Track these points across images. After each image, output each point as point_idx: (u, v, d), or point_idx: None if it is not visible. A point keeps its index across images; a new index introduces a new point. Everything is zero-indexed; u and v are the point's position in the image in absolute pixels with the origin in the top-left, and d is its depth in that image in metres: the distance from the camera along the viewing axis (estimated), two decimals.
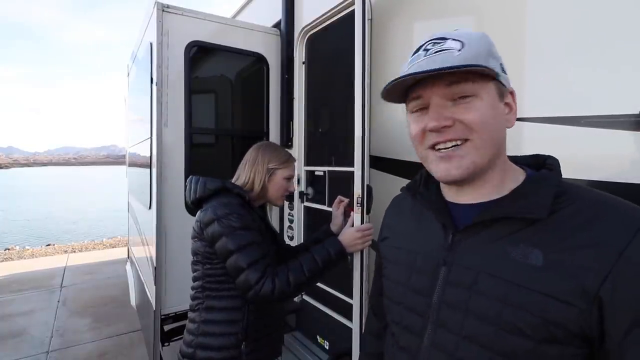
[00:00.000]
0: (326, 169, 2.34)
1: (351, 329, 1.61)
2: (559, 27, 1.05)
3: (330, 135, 2.34)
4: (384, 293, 0.82)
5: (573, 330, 0.53)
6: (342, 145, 2.17)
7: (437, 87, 0.62)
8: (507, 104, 0.66)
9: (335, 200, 1.65)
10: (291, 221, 2.61)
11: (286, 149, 1.57)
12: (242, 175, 1.47)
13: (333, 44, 2.25)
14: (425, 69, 0.59)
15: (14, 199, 30.37)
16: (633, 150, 0.90)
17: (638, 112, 0.88)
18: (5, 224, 16.85)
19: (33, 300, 4.67)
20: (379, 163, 1.79)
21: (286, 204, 2.66)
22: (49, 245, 9.33)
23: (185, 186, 1.47)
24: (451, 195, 0.72)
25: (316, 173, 2.44)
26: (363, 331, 1.02)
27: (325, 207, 2.29)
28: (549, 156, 0.70)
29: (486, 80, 0.62)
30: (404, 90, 0.67)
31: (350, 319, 1.83)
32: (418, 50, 0.65)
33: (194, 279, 1.42)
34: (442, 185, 0.75)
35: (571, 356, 0.54)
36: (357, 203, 1.42)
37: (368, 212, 1.50)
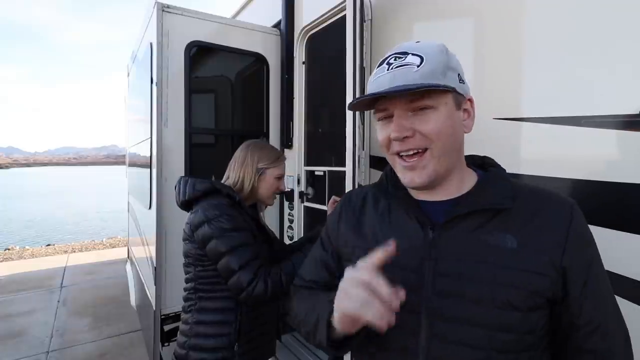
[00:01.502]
0: (326, 169, 2.34)
1: None
2: (559, 27, 1.05)
3: (330, 135, 2.34)
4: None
5: (548, 295, 0.64)
6: (342, 145, 2.17)
7: (399, 101, 0.68)
8: (465, 111, 0.72)
9: (330, 201, 1.64)
10: (291, 221, 2.61)
11: (275, 147, 1.55)
12: (232, 175, 1.45)
13: (333, 44, 2.25)
14: (386, 88, 0.66)
15: (14, 198, 30.38)
16: (633, 150, 0.90)
17: (638, 112, 0.88)
18: (5, 224, 16.85)
19: (33, 300, 4.66)
20: (379, 163, 1.79)
21: (286, 204, 2.66)
22: (49, 245, 9.32)
23: (175, 187, 1.45)
24: (419, 194, 0.77)
25: (316, 173, 2.44)
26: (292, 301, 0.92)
27: (325, 207, 2.29)
28: (484, 156, 0.81)
29: (444, 94, 0.67)
30: (371, 100, 0.72)
31: None
32: (382, 63, 0.71)
33: (186, 281, 1.41)
34: None
35: (544, 317, 0.66)
36: None
37: None
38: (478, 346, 0.64)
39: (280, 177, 1.49)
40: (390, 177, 0.81)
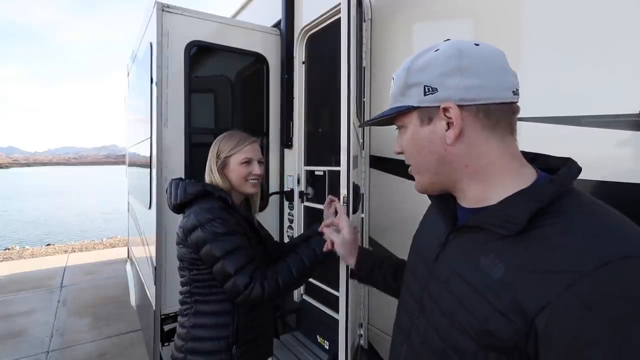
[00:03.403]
0: (326, 168, 2.34)
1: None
2: (559, 27, 1.05)
3: (330, 135, 2.34)
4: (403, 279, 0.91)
5: (508, 344, 0.53)
6: (340, 145, 2.17)
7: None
8: (444, 121, 0.64)
9: (326, 201, 1.63)
10: (291, 221, 2.61)
11: (243, 133, 1.46)
12: (206, 176, 1.42)
13: (333, 44, 2.25)
14: (373, 118, 0.76)
15: (14, 198, 30.37)
16: (633, 150, 0.90)
17: (638, 112, 0.88)
18: (5, 224, 16.85)
19: (33, 300, 4.66)
20: (378, 163, 1.79)
21: (286, 204, 2.66)
22: (49, 245, 9.32)
23: (166, 190, 1.42)
24: (458, 198, 0.75)
25: (316, 173, 2.44)
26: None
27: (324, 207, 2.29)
28: (568, 158, 0.65)
29: (406, 113, 0.69)
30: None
31: None
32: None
33: (182, 284, 1.40)
34: None
35: None
36: (343, 202, 1.41)
37: (354, 211, 1.49)
38: (435, 353, 0.66)
39: (248, 161, 1.40)
40: None
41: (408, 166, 0.75)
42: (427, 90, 0.65)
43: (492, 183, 0.65)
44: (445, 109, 0.63)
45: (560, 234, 0.53)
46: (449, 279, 0.66)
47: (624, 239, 0.49)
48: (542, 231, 0.55)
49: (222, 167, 1.39)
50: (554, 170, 0.63)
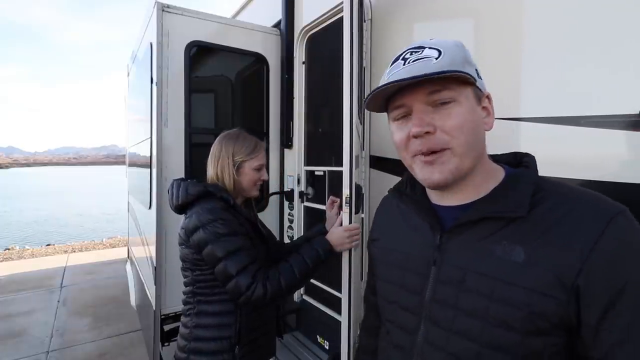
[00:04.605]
0: (326, 168, 2.34)
1: None
2: (559, 27, 1.05)
3: (330, 135, 2.34)
4: (378, 293, 0.84)
5: (554, 320, 0.56)
6: (342, 145, 2.17)
7: (418, 95, 0.63)
8: (484, 108, 0.68)
9: (328, 201, 1.63)
10: (291, 221, 2.61)
11: (252, 136, 1.45)
12: (211, 172, 1.40)
13: (333, 44, 2.25)
14: (405, 77, 0.61)
15: (14, 199, 30.36)
16: (633, 150, 0.90)
17: (638, 112, 0.88)
18: (5, 224, 16.84)
19: (33, 300, 4.66)
20: (378, 163, 1.79)
21: (286, 203, 2.66)
22: (49, 245, 9.32)
23: (168, 191, 1.42)
24: (436, 197, 0.75)
25: (316, 173, 2.44)
26: (360, 327, 1.03)
27: (325, 207, 2.29)
28: (526, 154, 0.72)
29: (464, 86, 0.64)
30: (386, 99, 0.69)
31: None
32: (397, 59, 0.67)
33: (185, 284, 1.40)
34: (427, 188, 0.77)
35: (552, 345, 0.57)
36: (346, 202, 1.41)
37: (357, 211, 1.49)
38: (468, 358, 0.62)
39: (260, 168, 1.42)
40: (411, 179, 0.80)
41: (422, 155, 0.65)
42: (478, 74, 0.66)
43: (487, 174, 0.68)
44: (488, 98, 0.69)
45: (561, 207, 0.59)
46: (464, 279, 0.63)
47: (607, 200, 0.59)
48: (542, 209, 0.60)
49: (237, 170, 1.39)
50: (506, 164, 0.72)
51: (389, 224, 0.85)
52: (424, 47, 0.65)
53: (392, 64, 0.68)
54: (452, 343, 0.64)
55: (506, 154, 0.74)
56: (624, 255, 0.54)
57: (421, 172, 0.67)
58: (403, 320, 0.73)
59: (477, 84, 0.65)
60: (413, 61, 0.63)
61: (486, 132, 0.69)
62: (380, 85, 0.64)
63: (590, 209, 0.57)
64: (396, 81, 0.62)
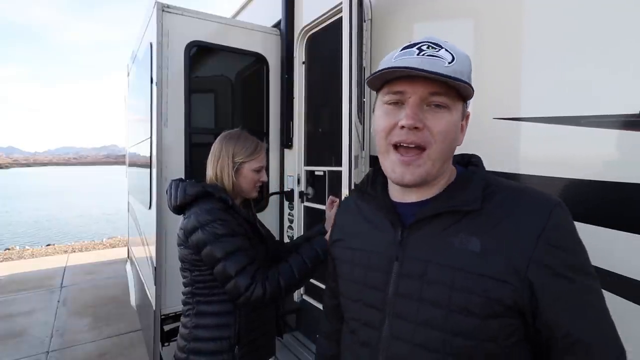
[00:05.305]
0: (326, 169, 2.34)
1: None
2: (559, 27, 1.05)
3: (330, 135, 2.34)
4: (341, 292, 0.85)
5: (509, 304, 0.60)
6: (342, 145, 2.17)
7: (421, 89, 0.65)
8: (462, 126, 0.72)
9: (328, 201, 1.63)
10: (291, 221, 2.61)
11: (253, 137, 1.45)
12: (210, 171, 1.40)
13: (333, 44, 2.25)
14: (420, 67, 0.62)
15: (14, 199, 30.37)
16: (633, 150, 0.90)
17: (638, 112, 0.88)
18: (5, 224, 16.85)
19: (33, 300, 4.66)
20: (378, 163, 1.79)
21: (286, 203, 2.66)
22: (49, 245, 9.32)
23: (166, 191, 1.42)
24: (397, 195, 0.77)
25: (316, 173, 2.44)
26: (319, 335, 1.04)
27: (324, 207, 2.29)
28: (472, 155, 0.79)
29: (459, 99, 0.67)
30: (385, 80, 0.69)
31: None
32: (411, 46, 0.68)
33: (184, 285, 1.40)
34: (389, 186, 0.80)
35: (508, 326, 0.62)
36: None
37: None
38: (434, 349, 0.64)
39: (260, 170, 1.42)
40: (372, 177, 0.83)
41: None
42: (471, 88, 0.68)
43: (448, 174, 0.74)
44: (467, 117, 0.73)
45: (509, 201, 0.66)
46: (425, 271, 0.67)
47: (544, 193, 0.67)
48: (493, 203, 0.66)
49: (236, 171, 1.38)
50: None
51: (351, 224, 0.86)
52: (442, 47, 0.66)
53: (404, 48, 0.68)
54: (417, 334, 0.66)
55: (455, 155, 0.77)
56: (566, 240, 0.62)
57: (393, 169, 0.69)
58: (368, 318, 0.74)
59: (468, 101, 0.70)
60: (428, 55, 0.65)
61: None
62: (392, 66, 0.65)
63: (533, 202, 0.65)
64: (413, 68, 0.62)
